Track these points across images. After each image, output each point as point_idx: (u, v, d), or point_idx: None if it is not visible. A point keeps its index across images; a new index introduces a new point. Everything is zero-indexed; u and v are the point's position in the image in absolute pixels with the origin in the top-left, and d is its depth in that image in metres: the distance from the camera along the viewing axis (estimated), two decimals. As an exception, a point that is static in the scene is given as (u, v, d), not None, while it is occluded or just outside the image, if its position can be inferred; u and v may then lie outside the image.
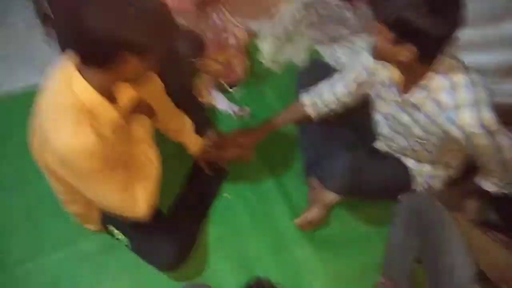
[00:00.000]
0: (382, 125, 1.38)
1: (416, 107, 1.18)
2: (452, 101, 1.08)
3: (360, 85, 1.36)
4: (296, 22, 2.14)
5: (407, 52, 1.03)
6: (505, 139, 1.11)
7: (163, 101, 1.35)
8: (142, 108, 1.16)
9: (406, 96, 1.18)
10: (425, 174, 1.38)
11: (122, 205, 1.09)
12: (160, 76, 1.32)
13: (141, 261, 1.36)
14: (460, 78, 1.07)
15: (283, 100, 1.85)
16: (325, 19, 2.17)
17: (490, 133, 1.07)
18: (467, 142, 1.11)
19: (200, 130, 1.57)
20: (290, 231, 1.53)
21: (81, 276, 1.41)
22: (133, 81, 1.00)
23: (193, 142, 1.50)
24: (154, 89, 1.29)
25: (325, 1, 2.19)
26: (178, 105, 1.44)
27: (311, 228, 1.53)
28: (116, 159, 1.04)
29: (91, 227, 1.40)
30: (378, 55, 1.11)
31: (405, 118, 1.25)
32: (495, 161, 1.17)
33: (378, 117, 1.39)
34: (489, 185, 1.31)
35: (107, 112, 0.99)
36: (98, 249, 1.46)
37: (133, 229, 1.28)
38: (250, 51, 2.04)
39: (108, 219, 1.31)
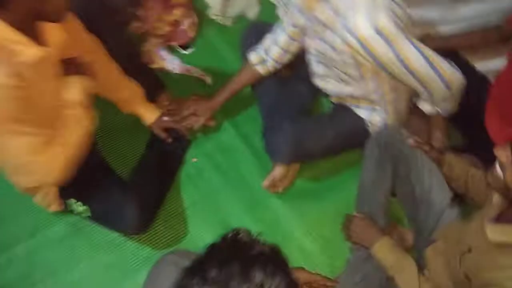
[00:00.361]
0: (313, 64, 1.35)
1: (323, 24, 1.13)
2: (347, 4, 1.04)
3: (301, 29, 1.30)
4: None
5: None
6: (410, 50, 1.06)
7: (107, 66, 1.29)
8: (79, 67, 1.10)
9: (314, 14, 1.14)
10: (377, 120, 1.36)
11: (31, 167, 1.04)
12: (101, 39, 1.28)
13: (116, 238, 1.34)
14: None
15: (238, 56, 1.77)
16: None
17: (387, 40, 1.03)
18: (365, 52, 1.06)
19: (153, 97, 1.51)
20: (262, 188, 1.51)
21: (56, 261, 1.38)
22: (44, 19, 0.95)
23: (148, 112, 1.43)
24: (96, 52, 1.26)
25: None
26: (126, 72, 1.37)
27: (282, 187, 1.50)
28: (40, 114, 0.98)
29: (54, 207, 1.33)
30: None
31: (321, 46, 1.21)
32: (409, 78, 1.13)
33: (309, 57, 1.35)
34: (426, 106, 1.31)
35: (27, 49, 0.92)
36: (67, 233, 1.42)
37: (93, 197, 1.26)
38: (198, 7, 1.93)
39: (66, 192, 1.26)
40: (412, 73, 1.11)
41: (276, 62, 1.42)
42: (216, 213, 1.47)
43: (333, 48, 1.16)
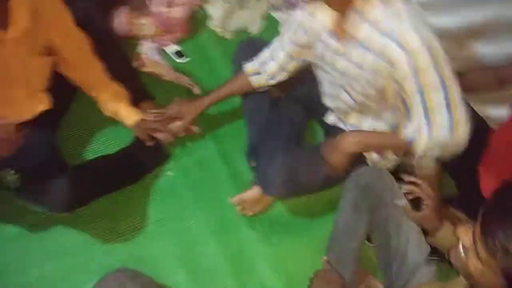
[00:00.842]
0: (324, 84, 1.30)
1: (354, 41, 1.08)
2: (392, 25, 1.00)
3: (301, 47, 1.26)
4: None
5: None
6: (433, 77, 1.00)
7: (91, 64, 1.33)
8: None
9: (345, 35, 1.09)
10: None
11: None
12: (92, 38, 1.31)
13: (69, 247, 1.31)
14: (400, 7, 1.00)
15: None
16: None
17: (432, 56, 0.99)
18: (408, 61, 0.99)
19: (137, 101, 1.47)
20: (235, 211, 1.44)
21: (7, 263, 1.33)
22: None
23: (130, 113, 1.38)
24: (82, 49, 1.29)
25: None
26: (113, 75, 1.37)
27: (253, 211, 1.44)
28: None
29: None
30: None
31: (340, 63, 1.15)
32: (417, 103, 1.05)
33: (320, 76, 1.29)
34: (407, 133, 1.16)
35: None
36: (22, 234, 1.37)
37: (26, 164, 1.23)
38: (199, 17, 1.90)
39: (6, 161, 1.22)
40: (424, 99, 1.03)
41: (271, 77, 1.37)
42: (182, 233, 1.40)
43: (356, 63, 1.10)
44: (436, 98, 1.02)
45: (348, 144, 1.18)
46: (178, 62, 1.78)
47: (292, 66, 1.34)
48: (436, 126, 1.04)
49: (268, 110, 1.47)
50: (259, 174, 1.38)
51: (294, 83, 1.48)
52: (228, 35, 1.90)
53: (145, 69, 1.71)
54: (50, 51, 1.22)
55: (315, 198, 1.44)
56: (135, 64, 1.70)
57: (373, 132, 1.26)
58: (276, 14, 2.01)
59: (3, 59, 1.10)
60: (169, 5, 1.79)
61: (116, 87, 1.38)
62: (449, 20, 1.49)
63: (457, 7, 1.47)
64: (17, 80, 1.17)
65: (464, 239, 0.79)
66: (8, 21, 1.06)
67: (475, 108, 1.40)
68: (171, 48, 1.80)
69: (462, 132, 1.05)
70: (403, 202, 1.09)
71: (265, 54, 1.36)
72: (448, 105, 1.02)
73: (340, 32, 1.11)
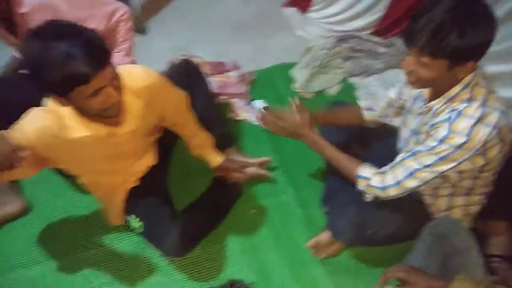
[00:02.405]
0: (409, 141, 1.37)
1: (433, 113, 1.18)
2: (448, 126, 1.08)
3: (404, 101, 1.39)
4: (331, 55, 2.24)
5: (440, 66, 1.04)
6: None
7: (188, 118, 1.50)
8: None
9: (430, 104, 1.19)
10: (442, 207, 1.35)
11: None
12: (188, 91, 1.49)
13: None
14: (475, 110, 1.06)
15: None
16: (360, 54, 2.27)
17: (458, 150, 1.07)
18: (442, 138, 1.09)
19: (224, 145, 1.69)
20: (308, 251, 1.56)
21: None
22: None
23: (214, 156, 1.59)
24: (182, 110, 1.45)
25: (359, 36, 2.30)
26: (202, 122, 1.55)
27: (326, 254, 1.54)
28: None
29: (117, 221, 1.51)
30: (420, 82, 1.11)
31: (424, 129, 1.25)
32: None
33: (405, 133, 1.39)
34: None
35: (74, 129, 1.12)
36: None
37: (149, 217, 1.42)
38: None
39: (130, 208, 1.44)
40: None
41: (380, 115, 1.51)
42: (261, 263, 1.54)
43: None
44: (415, 165, 1.16)
45: (306, 138, 1.39)
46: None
47: (393, 112, 1.48)
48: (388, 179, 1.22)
49: None
50: (330, 221, 1.50)
51: (371, 140, 1.64)
52: (308, 96, 2.14)
53: (238, 118, 1.99)
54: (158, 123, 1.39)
55: (387, 247, 1.52)
56: (230, 114, 1.98)
57: (332, 147, 1.37)
58: (353, 80, 2.24)
59: (116, 144, 1.22)
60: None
61: (205, 134, 1.56)
62: None
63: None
64: (127, 155, 1.33)
65: None
66: (120, 121, 1.17)
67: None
68: (260, 104, 2.05)
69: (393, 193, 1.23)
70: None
71: (378, 102, 1.52)
72: (411, 174, 1.17)
73: (428, 100, 1.23)
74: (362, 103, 1.54)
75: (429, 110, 1.19)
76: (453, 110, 1.10)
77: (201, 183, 1.72)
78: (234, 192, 1.69)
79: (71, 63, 0.93)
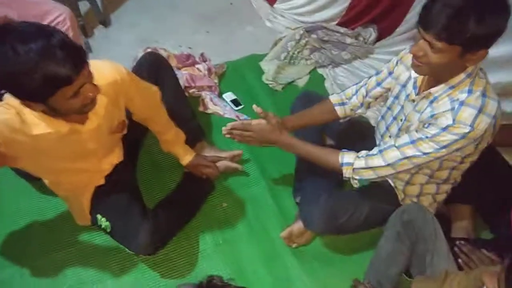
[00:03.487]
0: (390, 128, 1.39)
1: (430, 101, 1.17)
2: (451, 115, 1.10)
3: (384, 88, 1.39)
4: (299, 46, 2.25)
5: (453, 53, 1.02)
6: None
7: (160, 113, 1.47)
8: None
9: (428, 90, 1.17)
10: (413, 194, 1.39)
11: None
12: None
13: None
14: (477, 100, 1.08)
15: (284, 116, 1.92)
16: (327, 45, 2.29)
17: (462, 139, 1.09)
18: (446, 127, 1.10)
19: (194, 140, 1.67)
20: (280, 241, 1.58)
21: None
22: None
23: (185, 153, 1.58)
24: (154, 105, 1.43)
25: (326, 27, 2.32)
26: (173, 118, 1.53)
27: (298, 243, 1.57)
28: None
29: (83, 220, 1.47)
30: (427, 68, 1.09)
31: (409, 106, 1.26)
32: None
33: (388, 119, 1.39)
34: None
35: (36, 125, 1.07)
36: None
37: (117, 216, 1.38)
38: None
39: (97, 207, 1.40)
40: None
41: (353, 109, 1.49)
42: (235, 257, 1.55)
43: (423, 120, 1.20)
44: (414, 152, 1.16)
45: (279, 143, 1.38)
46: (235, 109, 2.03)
47: (371, 100, 1.46)
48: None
49: None
50: (302, 211, 1.52)
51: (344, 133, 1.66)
52: (278, 88, 2.14)
53: (208, 111, 1.97)
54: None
55: (356, 235, 1.55)
56: (200, 108, 1.95)
57: (307, 145, 1.36)
58: (321, 70, 2.26)
59: (80, 142, 1.18)
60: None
61: (176, 130, 1.54)
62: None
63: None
64: (91, 154, 1.28)
65: (488, 283, 0.83)
66: (84, 118, 1.14)
67: (506, 157, 1.54)
68: (229, 97, 2.05)
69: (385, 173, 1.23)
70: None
71: (350, 91, 1.49)
72: (407, 157, 1.18)
73: (422, 88, 1.23)
74: (332, 98, 1.52)
75: (427, 97, 1.19)
76: (454, 100, 1.11)
77: (173, 177, 1.70)
78: (205, 186, 1.68)
79: (51, 66, 0.89)
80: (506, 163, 1.54)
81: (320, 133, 1.72)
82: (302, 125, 1.52)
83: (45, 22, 1.55)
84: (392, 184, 1.41)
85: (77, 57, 0.94)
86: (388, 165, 1.21)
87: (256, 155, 1.84)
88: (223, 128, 1.41)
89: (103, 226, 1.39)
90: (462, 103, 1.09)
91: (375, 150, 1.26)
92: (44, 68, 0.89)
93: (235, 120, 1.94)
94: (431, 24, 1.00)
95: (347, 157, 1.28)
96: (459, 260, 1.22)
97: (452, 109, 1.10)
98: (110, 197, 1.40)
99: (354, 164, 1.26)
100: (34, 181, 1.60)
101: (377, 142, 1.47)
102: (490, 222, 1.59)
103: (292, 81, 2.18)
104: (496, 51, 1.62)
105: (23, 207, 1.62)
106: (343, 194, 1.52)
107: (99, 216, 1.39)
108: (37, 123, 1.05)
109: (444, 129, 1.10)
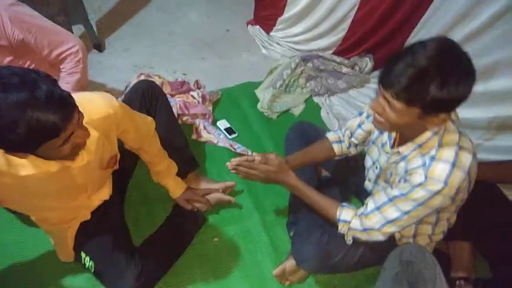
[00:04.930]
0: (369, 171, 1.39)
1: (402, 158, 1.16)
2: (423, 172, 1.06)
3: (366, 132, 1.38)
4: (294, 75, 2.23)
5: (412, 114, 0.99)
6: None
7: (153, 144, 1.43)
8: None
9: (397, 148, 1.17)
10: (408, 235, 1.33)
11: None
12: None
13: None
14: (449, 154, 1.04)
15: (278, 145, 1.90)
16: (323, 73, 2.27)
17: (436, 194, 1.05)
18: (421, 183, 1.06)
19: (184, 174, 1.62)
20: (273, 278, 1.51)
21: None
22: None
23: (176, 187, 1.54)
24: (146, 130, 1.38)
25: (323, 55, 2.31)
26: (165, 148, 1.49)
27: (290, 281, 1.50)
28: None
29: (65, 257, 1.39)
30: (387, 125, 1.07)
31: (383, 156, 1.25)
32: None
33: (368, 162, 1.39)
34: None
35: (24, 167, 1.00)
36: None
37: (100, 257, 1.30)
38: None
39: (79, 245, 1.32)
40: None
41: (349, 146, 1.47)
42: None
43: (394, 167, 1.19)
44: (394, 213, 1.14)
45: (285, 184, 1.33)
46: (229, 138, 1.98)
47: (357, 143, 1.44)
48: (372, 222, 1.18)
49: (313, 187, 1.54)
50: (295, 249, 1.45)
51: (338, 168, 1.63)
52: (273, 116, 2.11)
53: (201, 139, 1.93)
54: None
55: (352, 274, 1.50)
56: (193, 136, 1.91)
57: (311, 190, 1.31)
58: (317, 99, 2.24)
59: (69, 178, 1.12)
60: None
61: (169, 162, 1.50)
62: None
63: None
64: (80, 190, 1.22)
65: None
66: (75, 156, 1.07)
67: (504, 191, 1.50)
68: (223, 125, 2.01)
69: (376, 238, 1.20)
70: None
71: (344, 129, 1.47)
72: (390, 221, 1.15)
73: (396, 139, 1.21)
74: (330, 136, 1.49)
75: (398, 154, 1.17)
76: (424, 155, 1.07)
77: (162, 209, 1.64)
78: (196, 220, 1.62)
79: (36, 119, 0.82)
80: (504, 197, 1.50)
81: (316, 166, 1.67)
82: (304, 163, 1.48)
83: (60, 50, 1.60)
84: None
85: (65, 108, 0.88)
86: (377, 229, 1.18)
87: (250, 186, 1.79)
88: (228, 163, 1.35)
89: (87, 266, 1.32)
90: (433, 158, 1.05)
91: (364, 210, 1.22)
92: (29, 122, 0.82)
93: (229, 149, 1.90)
94: (391, 83, 0.96)
95: (344, 214, 1.24)
96: None
97: (424, 164, 1.06)
98: (95, 235, 1.33)
99: (351, 223, 1.23)
100: (16, 213, 1.53)
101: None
102: (490, 259, 1.54)
103: (288, 110, 2.16)
104: (494, 84, 1.62)
105: (4, 239, 1.54)
106: (336, 232, 1.43)
107: (83, 255, 1.32)
108: (25, 164, 0.99)
109: (418, 185, 1.06)
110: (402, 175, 1.14)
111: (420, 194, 1.06)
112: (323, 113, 2.17)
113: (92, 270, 1.32)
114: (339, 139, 1.48)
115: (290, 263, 1.47)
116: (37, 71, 0.87)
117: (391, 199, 1.14)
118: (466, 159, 1.04)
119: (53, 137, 0.88)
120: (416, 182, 1.06)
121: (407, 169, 1.11)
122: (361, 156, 1.50)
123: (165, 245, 1.48)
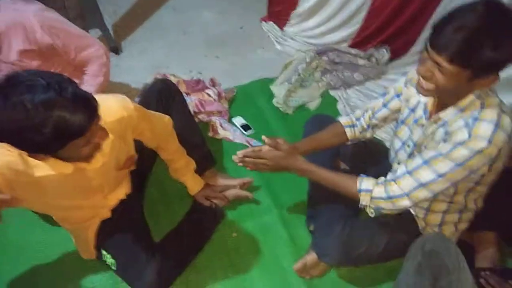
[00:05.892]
0: (398, 154, 1.34)
1: (442, 124, 1.12)
2: (467, 130, 1.03)
3: (391, 111, 1.35)
4: (309, 69, 2.22)
5: (463, 77, 0.96)
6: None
7: (171, 141, 1.45)
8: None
9: (437, 115, 1.13)
10: (435, 223, 1.31)
11: None
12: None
13: None
14: (492, 115, 1.01)
15: (295, 140, 1.84)
16: (339, 66, 2.25)
17: (478, 157, 1.01)
18: (465, 145, 1.02)
19: (202, 167, 1.63)
20: (293, 273, 1.50)
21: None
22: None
23: (194, 183, 1.56)
24: (164, 129, 1.40)
25: (338, 48, 2.29)
26: (183, 145, 1.51)
27: (311, 275, 1.49)
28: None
29: (87, 254, 1.42)
30: (434, 90, 1.03)
31: (418, 131, 1.21)
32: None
33: (397, 144, 1.34)
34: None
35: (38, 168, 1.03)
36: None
37: (122, 253, 1.33)
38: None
39: (102, 243, 1.35)
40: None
41: (362, 131, 1.45)
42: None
43: (431, 138, 1.15)
44: (429, 175, 1.09)
45: (294, 169, 1.32)
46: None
47: (377, 124, 1.42)
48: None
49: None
50: (316, 242, 1.44)
51: (357, 159, 1.60)
52: (289, 111, 2.10)
53: (218, 136, 1.94)
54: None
55: (374, 266, 1.48)
56: (210, 133, 1.93)
57: (322, 170, 1.28)
58: (333, 92, 2.22)
59: (84, 180, 1.14)
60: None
61: (187, 159, 1.52)
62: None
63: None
64: (96, 190, 1.24)
65: None
66: (90, 159, 1.08)
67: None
68: (239, 122, 2.02)
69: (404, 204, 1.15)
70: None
71: (359, 112, 1.45)
72: (423, 184, 1.10)
73: (432, 111, 1.18)
74: (342, 119, 1.47)
75: (436, 121, 1.13)
76: (466, 118, 1.04)
77: (181, 206, 1.66)
78: (215, 216, 1.63)
79: (62, 119, 0.85)
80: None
81: (333, 158, 1.66)
82: (313, 149, 1.45)
83: (86, 53, 1.66)
84: (413, 213, 1.33)
85: (89, 107, 0.91)
86: (405, 194, 1.13)
87: (268, 181, 1.79)
88: (234, 156, 1.36)
89: (108, 263, 1.35)
90: (476, 119, 1.02)
91: (390, 177, 1.18)
92: (56, 121, 0.85)
93: (246, 145, 1.90)
94: (443, 47, 0.94)
95: (365, 183, 1.20)
96: None
97: (466, 124, 1.03)
98: (116, 233, 1.35)
99: (373, 192, 1.19)
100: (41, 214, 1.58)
101: (393, 167, 1.40)
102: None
103: (304, 104, 2.15)
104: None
105: (29, 238, 1.58)
106: (360, 223, 1.41)
107: (104, 252, 1.35)
108: (40, 165, 1.02)
109: (460, 143, 1.02)
110: (441, 140, 1.09)
111: (461, 153, 1.02)
112: (340, 106, 2.15)
113: (114, 267, 1.34)
114: (352, 123, 1.45)
115: (311, 257, 1.46)
116: (60, 74, 0.90)
117: (426, 161, 1.09)
118: (508, 123, 1.01)
119: (78, 136, 0.91)
120: (458, 140, 1.02)
121: (448, 131, 1.07)
122: (380, 141, 1.47)
123: (185, 241, 1.49)
